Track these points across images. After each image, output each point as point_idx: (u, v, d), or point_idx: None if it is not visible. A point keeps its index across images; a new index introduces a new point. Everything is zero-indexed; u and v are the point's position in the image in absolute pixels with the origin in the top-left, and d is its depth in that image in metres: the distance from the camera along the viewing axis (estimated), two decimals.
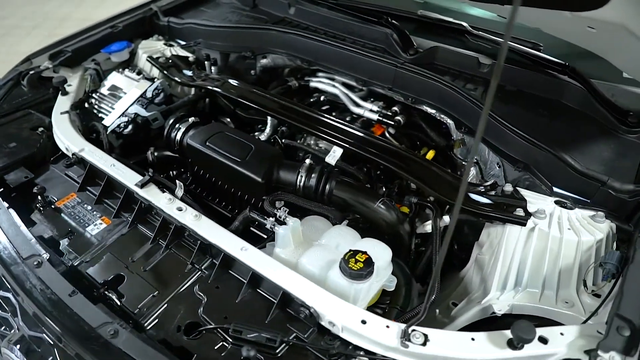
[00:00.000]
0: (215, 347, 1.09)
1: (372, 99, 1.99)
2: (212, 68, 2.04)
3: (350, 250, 1.19)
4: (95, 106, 1.96)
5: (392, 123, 1.86)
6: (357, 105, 1.95)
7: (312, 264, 1.25)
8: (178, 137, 1.66)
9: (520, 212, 1.36)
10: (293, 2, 2.21)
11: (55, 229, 1.39)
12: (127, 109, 1.87)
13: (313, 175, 1.46)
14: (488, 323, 1.41)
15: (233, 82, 1.91)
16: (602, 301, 1.18)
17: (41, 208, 1.44)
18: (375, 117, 1.89)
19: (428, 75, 1.73)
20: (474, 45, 1.88)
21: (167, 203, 1.35)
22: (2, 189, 1.45)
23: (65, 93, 1.88)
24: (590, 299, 1.31)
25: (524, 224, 1.32)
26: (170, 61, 2.09)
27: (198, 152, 1.54)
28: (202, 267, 1.27)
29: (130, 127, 1.83)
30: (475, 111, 1.62)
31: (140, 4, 2.33)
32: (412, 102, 1.79)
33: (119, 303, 1.18)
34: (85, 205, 1.47)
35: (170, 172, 1.82)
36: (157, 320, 1.15)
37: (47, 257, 1.21)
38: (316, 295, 1.12)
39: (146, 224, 1.40)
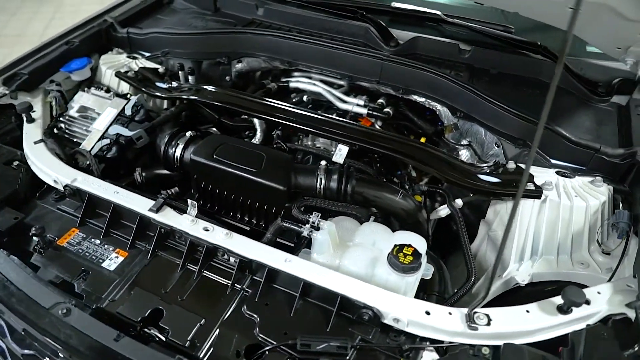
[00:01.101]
0: None
1: (353, 94, 2.00)
2: (190, 77, 1.93)
3: (396, 246, 1.21)
4: (67, 131, 1.79)
5: (383, 115, 1.89)
6: (343, 101, 1.96)
7: (355, 265, 1.25)
8: (177, 154, 1.57)
9: (530, 186, 1.45)
10: (260, 3, 2.16)
11: (65, 270, 1.26)
12: (106, 130, 1.73)
13: (333, 176, 1.45)
14: (505, 295, 1.49)
15: (216, 89, 1.84)
16: (621, 258, 1.30)
17: (41, 250, 1.30)
18: (364, 111, 1.91)
19: (415, 65, 1.77)
20: (450, 33, 1.96)
21: (191, 225, 1.27)
22: None
23: (31, 120, 1.69)
24: (601, 257, 1.43)
25: (539, 197, 1.41)
26: (139, 75, 1.95)
27: (205, 166, 1.47)
28: (244, 286, 1.21)
29: (114, 149, 1.69)
30: (468, 96, 1.69)
31: (91, 17, 2.15)
32: (402, 93, 1.83)
33: (163, 339, 1.10)
34: (92, 240, 1.34)
35: (167, 191, 1.71)
36: (212, 350, 1.09)
37: (74, 303, 1.09)
38: (375, 295, 1.12)
39: (167, 249, 1.31)
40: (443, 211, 1.58)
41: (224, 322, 1.14)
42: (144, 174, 1.71)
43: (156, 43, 2.08)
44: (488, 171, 1.56)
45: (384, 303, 1.11)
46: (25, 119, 1.69)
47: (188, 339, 1.10)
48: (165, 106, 1.95)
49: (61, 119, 1.80)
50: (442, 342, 1.09)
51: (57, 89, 1.86)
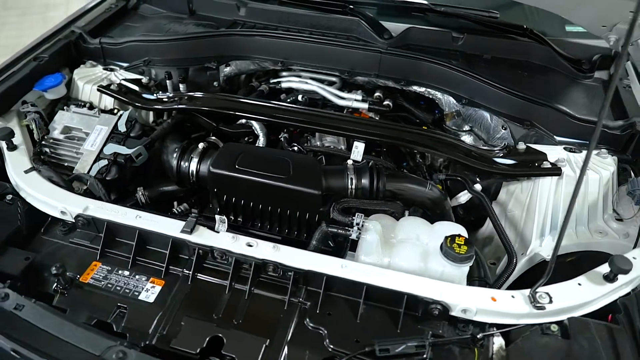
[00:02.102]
0: None
1: (346, 90, 1.98)
2: (181, 85, 1.82)
3: (447, 237, 1.21)
4: (53, 155, 1.62)
5: (383, 109, 1.89)
6: (341, 97, 1.93)
7: (406, 262, 1.24)
8: (193, 168, 1.47)
9: (546, 164, 1.52)
10: (241, 3, 2.07)
11: (97, 309, 1.14)
12: (101, 150, 1.59)
13: (364, 174, 1.43)
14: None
15: (212, 95, 1.75)
16: None
17: (64, 290, 1.16)
18: (364, 105, 1.89)
19: (416, 56, 1.79)
20: (438, 21, 1.99)
21: (233, 242, 1.20)
22: (8, 282, 1.12)
23: (13, 148, 1.51)
24: (616, 224, 1.53)
25: (560, 174, 1.47)
26: (123, 88, 1.81)
27: (227, 178, 1.39)
28: (301, 299, 1.16)
29: (113, 170, 1.56)
30: (471, 82, 1.72)
31: (56, 28, 1.95)
32: (403, 85, 1.84)
33: None
34: (120, 272, 1.22)
35: (178, 208, 1.61)
36: None
37: (126, 344, 0.99)
38: (440, 289, 1.12)
39: (206, 271, 1.23)
40: (463, 197, 1.61)
41: (291, 339, 1.08)
42: (147, 193, 1.60)
43: (134, 52, 1.93)
44: (501, 154, 1.61)
45: (451, 295, 1.11)
46: (5, 146, 1.51)
47: None
48: (151, 118, 1.82)
49: (44, 142, 1.63)
50: (510, 326, 1.11)
51: (35, 109, 1.68)
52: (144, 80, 1.88)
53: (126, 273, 1.22)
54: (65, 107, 1.76)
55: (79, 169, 1.57)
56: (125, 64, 1.95)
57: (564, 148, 1.60)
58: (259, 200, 1.40)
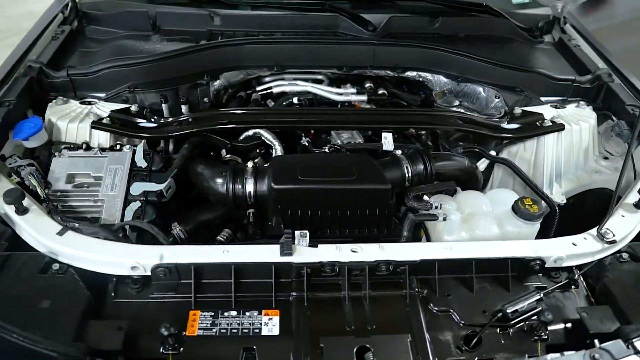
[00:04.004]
0: (502, 339, 1.12)
1: (334, 86, 2.02)
2: (183, 107, 1.68)
3: (516, 201, 1.35)
4: (66, 209, 1.40)
5: (381, 98, 1.97)
6: (338, 93, 1.96)
7: (487, 231, 1.35)
8: (250, 190, 1.39)
9: (547, 122, 1.74)
10: (213, 13, 1.96)
11: (223, 359, 1.05)
12: (126, 191, 1.42)
13: (417, 161, 1.49)
14: None
15: (221, 111, 1.67)
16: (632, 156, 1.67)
17: (176, 351, 1.05)
18: (364, 98, 1.95)
19: (407, 43, 1.88)
20: (409, 8, 2.11)
21: (338, 252, 1.19)
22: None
23: (24, 211, 1.28)
24: (604, 162, 1.81)
25: (563, 129, 1.70)
26: (116, 120, 1.62)
27: (294, 192, 1.35)
28: (417, 289, 1.20)
29: (149, 211, 1.41)
30: (460, 60, 1.87)
31: (9, 66, 1.65)
32: (400, 72, 1.93)
33: None
34: (226, 314, 1.13)
35: (222, 236, 1.51)
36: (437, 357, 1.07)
37: None
38: (533, 247, 1.25)
39: (314, 288, 1.19)
40: (482, 165, 1.77)
41: (429, 328, 1.12)
42: (187, 228, 1.48)
43: (112, 80, 1.72)
44: (506, 121, 1.80)
45: (543, 250, 1.24)
46: (15, 210, 1.27)
47: (413, 358, 1.06)
48: (171, 147, 1.66)
49: (50, 197, 1.40)
50: (590, 263, 1.28)
51: (27, 162, 1.42)
52: (133, 108, 1.69)
53: (233, 313, 1.13)
54: (57, 154, 1.52)
55: (108, 218, 1.38)
56: (101, 94, 1.74)
57: (551, 106, 1.84)
58: (327, 207, 1.39)
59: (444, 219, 1.32)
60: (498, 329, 1.14)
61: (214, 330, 1.10)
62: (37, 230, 1.23)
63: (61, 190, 1.43)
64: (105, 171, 1.47)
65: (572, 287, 1.24)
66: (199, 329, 1.10)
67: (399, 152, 1.53)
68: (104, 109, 1.67)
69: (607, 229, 1.32)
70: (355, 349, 1.06)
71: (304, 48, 1.84)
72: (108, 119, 1.61)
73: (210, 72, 1.80)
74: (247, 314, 1.14)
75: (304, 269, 1.17)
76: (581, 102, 1.84)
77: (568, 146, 1.76)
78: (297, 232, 1.25)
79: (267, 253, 1.18)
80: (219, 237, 1.52)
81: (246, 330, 1.10)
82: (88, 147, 1.55)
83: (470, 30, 2.09)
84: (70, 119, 1.60)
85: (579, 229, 1.36)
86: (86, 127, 1.59)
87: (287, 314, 1.14)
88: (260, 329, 1.11)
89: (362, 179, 1.37)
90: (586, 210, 1.75)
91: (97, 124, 1.57)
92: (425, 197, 1.38)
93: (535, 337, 1.13)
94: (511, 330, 1.14)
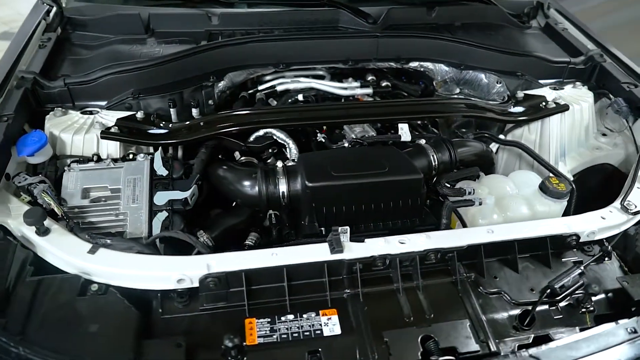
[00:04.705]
0: (553, 314, 1.16)
1: (335, 80, 2.01)
2: (194, 110, 1.62)
3: (544, 180, 1.39)
4: (87, 227, 1.32)
5: (385, 89, 1.97)
6: (343, 88, 1.95)
7: (519, 212, 1.39)
8: (283, 190, 1.36)
9: (551, 104, 1.80)
10: (210, 12, 1.89)
11: None
12: (150, 202, 1.36)
13: (441, 149, 1.51)
14: None
15: (235, 112, 1.63)
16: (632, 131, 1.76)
17: None
18: (369, 91, 1.95)
19: (410, 34, 1.90)
20: None
21: (387, 245, 1.18)
22: None
23: (45, 231, 1.19)
24: (603, 138, 1.90)
25: (567, 109, 1.76)
26: (124, 129, 1.54)
27: (329, 189, 1.33)
28: (464, 274, 1.22)
29: (177, 220, 1.35)
30: (462, 49, 1.91)
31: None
32: (403, 63, 1.94)
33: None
34: (282, 319, 1.10)
35: (248, 242, 1.47)
36: (495, 336, 1.09)
37: None
38: (566, 223, 1.29)
39: (365, 283, 1.18)
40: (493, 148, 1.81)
41: (484, 310, 1.14)
42: (213, 235, 1.43)
43: (113, 87, 1.63)
44: (512, 105, 1.85)
45: (577, 225, 1.29)
46: (36, 231, 1.18)
47: (477, 342, 1.07)
48: (180, 153, 1.60)
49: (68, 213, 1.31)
50: (617, 235, 1.34)
51: (38, 179, 1.33)
52: (139, 115, 1.61)
53: (290, 317, 1.10)
54: (66, 168, 1.42)
55: (134, 231, 1.31)
56: (101, 103, 1.65)
57: (551, 87, 1.91)
58: (361, 202, 1.37)
59: (480, 204, 1.34)
60: (547, 305, 1.17)
61: (274, 336, 1.07)
62: (65, 250, 1.15)
63: (78, 206, 1.34)
64: (124, 182, 1.39)
65: (606, 258, 1.29)
66: (258, 337, 1.07)
67: (423, 141, 1.54)
68: (108, 117, 1.58)
69: (629, 201, 1.39)
70: (419, 339, 1.06)
71: (308, 44, 1.82)
72: (116, 127, 1.52)
73: (216, 73, 1.74)
74: (305, 316, 1.11)
75: (356, 265, 1.15)
76: (577, 83, 1.92)
77: (570, 126, 1.83)
78: (339, 228, 1.23)
79: (317, 252, 1.16)
80: (247, 242, 1.47)
81: (307, 333, 1.08)
82: (99, 159, 1.46)
83: (465, 18, 2.14)
84: (75, 130, 1.51)
85: (586, 204, 1.42)
86: (93, 138, 1.50)
87: (345, 312, 1.12)
88: (321, 330, 1.08)
89: (394, 170, 1.37)
90: (591, 185, 1.83)
91: (107, 134, 1.48)
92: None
93: (583, 310, 1.17)
94: (559, 305, 1.18)
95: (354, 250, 1.17)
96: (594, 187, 1.84)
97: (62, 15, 1.88)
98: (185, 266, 1.11)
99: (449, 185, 1.42)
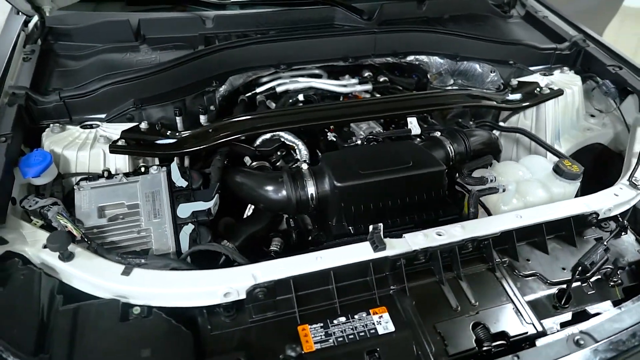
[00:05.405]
0: (586, 290, 1.21)
1: (332, 78, 2.01)
2: (202, 117, 1.57)
3: (557, 163, 1.45)
4: (109, 247, 1.25)
5: (384, 85, 1.99)
6: (343, 85, 1.95)
7: (537, 196, 1.44)
8: (312, 192, 1.34)
9: (546, 90, 1.87)
10: (205, 16, 1.84)
11: None
12: (174, 215, 1.30)
13: (457, 140, 1.53)
14: None
15: (244, 116, 1.59)
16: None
17: None
18: (369, 87, 1.96)
19: (406, 29, 1.92)
20: None
21: (426, 238, 1.19)
22: None
23: (69, 256, 1.12)
24: (592, 119, 2.00)
25: (562, 93, 1.84)
26: (131, 142, 1.47)
27: (357, 188, 1.32)
28: (499, 260, 1.25)
29: (204, 232, 1.31)
30: (456, 41, 1.95)
31: None
32: (401, 58, 1.96)
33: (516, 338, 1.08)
34: (335, 322, 1.08)
35: (273, 248, 1.44)
36: (540, 318, 1.13)
37: None
38: (585, 203, 1.35)
39: (408, 278, 1.19)
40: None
41: (523, 293, 1.18)
42: (235, 244, 1.39)
43: (112, 98, 1.55)
44: (509, 93, 1.91)
45: (595, 204, 1.35)
46: (61, 257, 1.10)
47: (524, 324, 1.10)
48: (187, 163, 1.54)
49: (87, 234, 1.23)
50: (628, 210, 1.41)
51: (51, 201, 1.24)
52: (143, 126, 1.54)
53: (342, 319, 1.09)
54: (75, 186, 1.34)
55: (160, 248, 1.25)
56: (100, 115, 1.56)
57: (540, 73, 1.99)
58: (388, 198, 1.37)
59: (504, 190, 1.38)
60: (580, 282, 1.22)
61: (331, 340, 1.06)
62: (96, 274, 1.08)
63: (96, 226, 1.27)
64: (141, 197, 1.33)
65: (623, 233, 1.36)
66: (314, 343, 1.05)
67: (438, 133, 1.57)
68: (110, 130, 1.50)
69: (636, 177, 1.47)
70: (470, 327, 1.09)
71: (308, 43, 1.80)
72: (123, 140, 1.45)
73: (217, 77, 1.69)
74: (356, 316, 1.10)
75: (399, 261, 1.16)
76: (564, 68, 2.01)
77: (563, 109, 1.92)
78: (371, 226, 1.23)
79: (360, 252, 1.15)
80: (272, 248, 1.45)
81: (362, 334, 1.07)
82: (110, 175, 1.38)
83: (454, 10, 2.18)
84: (79, 146, 1.42)
85: (582, 183, 1.49)
86: (99, 153, 1.43)
87: (394, 308, 1.13)
88: (375, 329, 1.08)
89: (418, 164, 1.38)
90: (584, 165, 1.92)
91: (115, 148, 1.41)
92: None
93: (611, 283, 1.23)
94: (590, 281, 1.23)
95: (395, 247, 1.17)
96: (587, 166, 1.93)
97: (44, 26, 1.76)
98: (231, 279, 1.07)
99: (471, 175, 1.45)
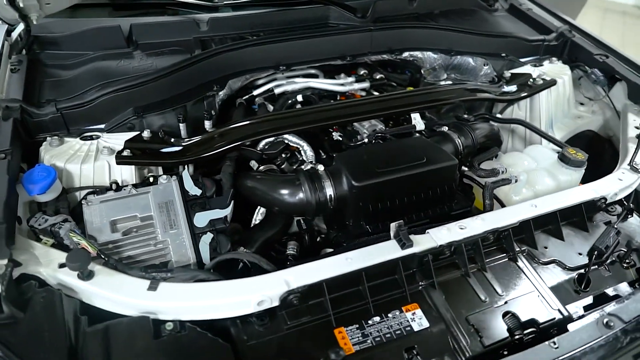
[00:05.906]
0: (603, 273, 1.26)
1: (328, 77, 2.01)
2: (207, 122, 1.53)
3: (562, 152, 1.49)
4: (124, 262, 1.20)
5: (381, 82, 2.00)
6: (342, 84, 1.95)
7: (545, 185, 1.48)
8: (330, 193, 1.33)
9: (539, 80, 1.93)
10: (198, 19, 1.79)
11: None
12: (191, 225, 1.27)
13: (464, 134, 1.55)
14: None
15: (250, 120, 1.57)
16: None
17: None
18: (366, 85, 1.96)
19: (401, 26, 1.93)
20: None
21: (450, 233, 1.21)
22: None
23: (89, 275, 1.07)
24: (582, 107, 2.07)
25: (555, 83, 1.89)
26: (136, 151, 1.42)
27: (375, 187, 1.32)
28: (518, 249, 1.27)
29: (224, 240, 1.28)
30: (450, 36, 1.98)
31: None
32: (397, 55, 1.97)
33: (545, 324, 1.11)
34: (370, 322, 1.08)
35: (291, 251, 1.43)
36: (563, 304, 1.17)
37: None
38: (593, 189, 1.40)
39: (435, 272, 1.20)
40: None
41: (545, 280, 1.21)
42: (252, 250, 1.37)
43: (112, 107, 1.49)
44: (504, 85, 1.95)
45: (602, 189, 1.40)
46: (80, 276, 1.05)
47: (551, 310, 1.13)
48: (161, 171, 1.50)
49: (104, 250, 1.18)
50: (632, 193, 1.47)
51: (61, 218, 1.19)
52: (145, 134, 1.49)
53: (377, 319, 1.09)
54: (83, 201, 1.28)
55: (180, 259, 1.22)
56: (99, 125, 1.50)
57: (532, 64, 2.04)
58: (403, 195, 1.37)
59: (516, 181, 1.41)
60: (596, 266, 1.26)
61: (368, 341, 1.05)
62: (121, 292, 1.04)
63: (111, 241, 1.22)
64: (155, 209, 1.29)
65: (629, 215, 1.42)
66: (353, 345, 1.04)
67: (445, 128, 1.58)
68: (112, 141, 1.45)
69: (636, 162, 1.52)
70: (501, 315, 1.11)
71: (306, 43, 1.78)
72: (128, 150, 1.40)
73: (218, 81, 1.65)
74: (390, 315, 1.10)
75: (427, 257, 1.16)
76: (553, 59, 2.07)
77: (555, 99, 1.97)
78: (392, 224, 1.23)
79: (388, 250, 1.15)
80: (289, 252, 1.43)
81: (399, 332, 1.07)
82: (118, 187, 1.33)
83: (443, 6, 2.21)
84: (82, 159, 1.36)
85: None
86: (104, 165, 1.37)
87: (425, 304, 1.13)
88: (410, 326, 1.08)
89: (431, 160, 1.39)
90: None
91: (122, 159, 1.36)
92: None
93: (625, 265, 1.28)
94: (606, 264, 1.27)
95: (420, 243, 1.18)
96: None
97: (29, 34, 1.67)
98: (264, 287, 1.05)
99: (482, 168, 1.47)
